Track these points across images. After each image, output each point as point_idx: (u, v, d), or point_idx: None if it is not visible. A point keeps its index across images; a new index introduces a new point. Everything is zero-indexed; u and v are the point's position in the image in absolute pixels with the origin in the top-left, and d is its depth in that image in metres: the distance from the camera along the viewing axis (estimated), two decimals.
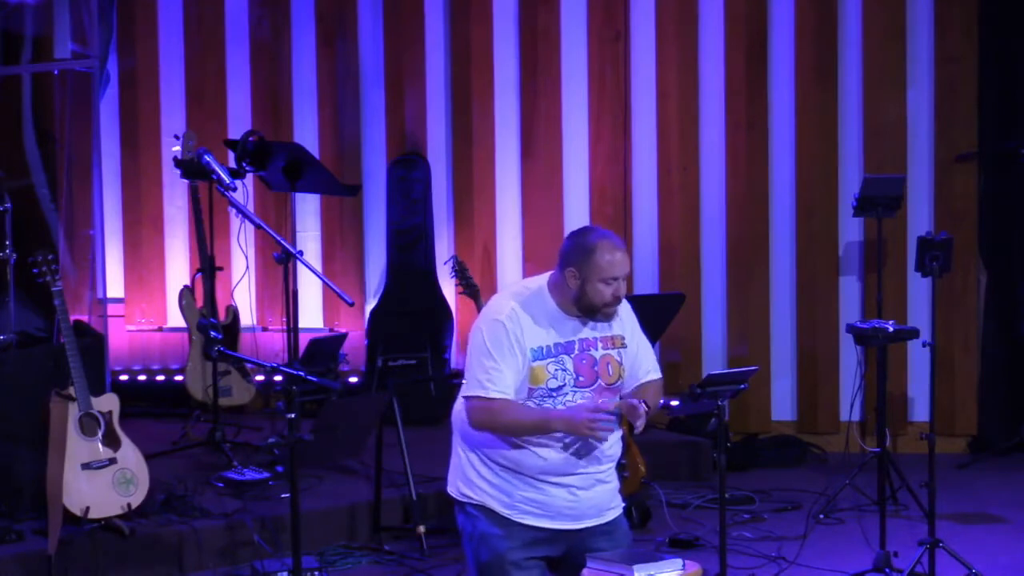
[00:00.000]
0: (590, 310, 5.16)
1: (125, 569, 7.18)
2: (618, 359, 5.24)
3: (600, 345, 5.22)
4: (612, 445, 5.26)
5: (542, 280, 5.26)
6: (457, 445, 5.31)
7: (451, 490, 5.32)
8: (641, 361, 5.33)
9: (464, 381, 5.20)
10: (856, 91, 9.64)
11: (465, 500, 5.26)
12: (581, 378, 5.16)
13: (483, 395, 5.10)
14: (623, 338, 5.28)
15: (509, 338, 5.09)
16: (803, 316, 9.72)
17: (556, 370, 5.14)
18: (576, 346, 5.17)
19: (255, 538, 7.40)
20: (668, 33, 9.78)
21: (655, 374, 5.36)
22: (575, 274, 5.13)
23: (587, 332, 5.20)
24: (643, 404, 5.10)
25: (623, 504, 5.39)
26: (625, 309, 5.32)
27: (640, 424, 5.09)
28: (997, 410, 9.61)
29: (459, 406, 5.24)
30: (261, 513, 7.58)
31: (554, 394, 5.14)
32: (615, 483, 5.33)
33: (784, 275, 9.74)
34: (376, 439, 7.83)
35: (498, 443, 5.16)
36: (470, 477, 5.24)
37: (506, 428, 5.12)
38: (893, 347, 8.44)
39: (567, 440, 5.14)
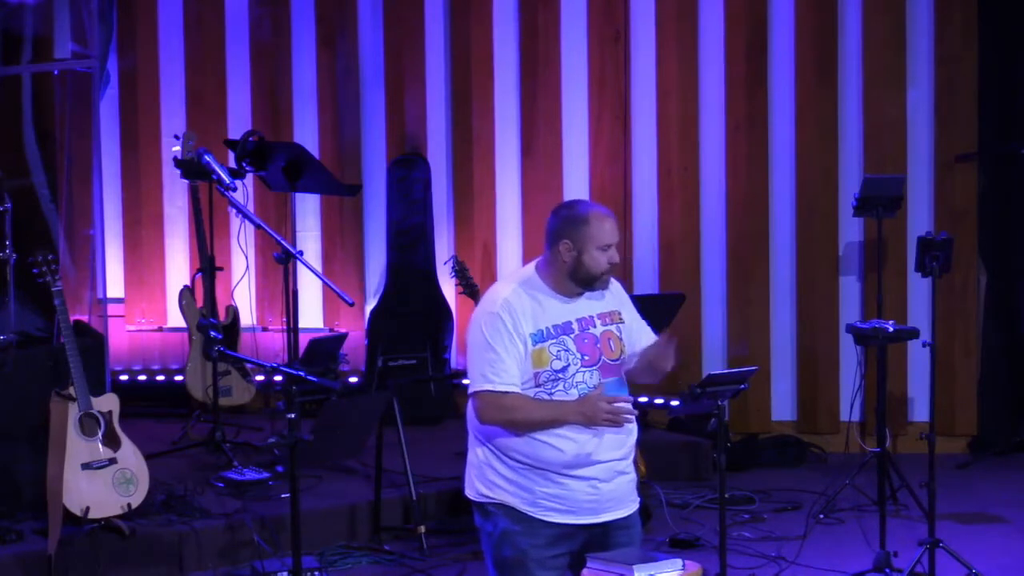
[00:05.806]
0: (588, 280, 5.15)
1: (125, 569, 7.18)
2: (618, 334, 5.24)
3: (599, 322, 5.21)
4: (630, 433, 5.24)
5: (530, 266, 5.27)
6: (473, 446, 5.26)
7: (468, 492, 5.27)
8: (640, 334, 5.34)
9: (468, 380, 5.18)
10: (856, 91, 9.64)
11: (484, 500, 5.21)
12: (586, 357, 5.15)
13: (491, 389, 5.07)
14: (620, 313, 5.28)
15: (507, 328, 5.08)
16: (803, 316, 9.72)
17: (559, 351, 5.12)
18: (575, 326, 5.16)
19: (255, 538, 7.39)
20: (668, 33, 9.78)
21: (653, 336, 5.37)
22: (570, 246, 5.12)
23: (583, 310, 5.19)
24: (666, 337, 5.17)
25: (639, 500, 5.38)
26: (615, 284, 5.32)
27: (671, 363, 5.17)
28: (997, 410, 9.61)
29: (471, 405, 5.21)
30: (261, 513, 7.57)
31: (560, 375, 5.12)
32: (633, 475, 5.31)
33: (784, 275, 9.74)
34: (376, 439, 7.83)
35: (514, 438, 5.12)
36: (488, 476, 5.19)
37: (518, 424, 5.09)
38: (893, 347, 8.46)
39: (584, 431, 5.10)
